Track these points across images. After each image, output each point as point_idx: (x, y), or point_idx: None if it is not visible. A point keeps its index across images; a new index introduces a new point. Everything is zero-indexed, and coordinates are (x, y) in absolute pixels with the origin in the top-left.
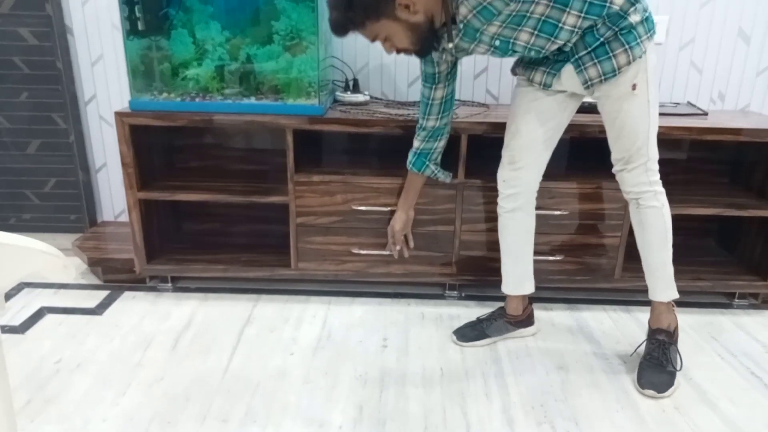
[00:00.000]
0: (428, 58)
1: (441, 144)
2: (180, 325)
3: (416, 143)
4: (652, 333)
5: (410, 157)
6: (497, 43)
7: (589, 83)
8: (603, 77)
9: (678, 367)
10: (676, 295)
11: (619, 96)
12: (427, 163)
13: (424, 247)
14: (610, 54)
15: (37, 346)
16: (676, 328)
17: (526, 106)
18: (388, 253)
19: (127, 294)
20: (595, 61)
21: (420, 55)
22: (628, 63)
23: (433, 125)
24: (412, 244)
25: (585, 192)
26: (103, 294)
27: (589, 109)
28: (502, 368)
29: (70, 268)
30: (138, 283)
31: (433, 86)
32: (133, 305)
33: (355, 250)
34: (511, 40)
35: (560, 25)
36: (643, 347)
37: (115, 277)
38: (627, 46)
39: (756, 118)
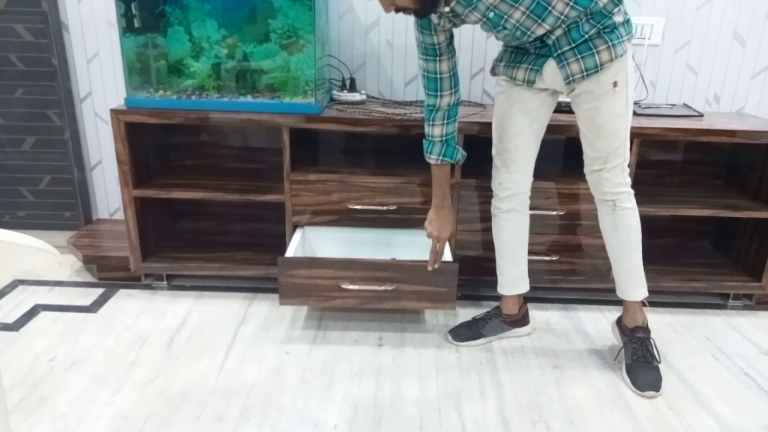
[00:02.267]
0: (426, 28)
1: (456, 126)
2: (175, 324)
3: (436, 131)
4: (632, 332)
5: (436, 148)
6: (491, 15)
7: (571, 79)
8: (585, 73)
9: (659, 360)
10: (647, 293)
11: (600, 93)
12: (457, 148)
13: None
14: (594, 50)
15: (31, 343)
16: (648, 323)
17: (511, 108)
18: (384, 287)
19: (122, 292)
20: (578, 56)
21: (419, 15)
22: (611, 60)
23: (449, 102)
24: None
25: (580, 192)
26: (97, 292)
27: None
28: (497, 368)
29: (65, 266)
30: (133, 281)
31: (437, 58)
32: (128, 303)
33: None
34: (505, 16)
35: (549, 8)
36: (623, 352)
37: (110, 275)
38: (610, 44)
39: (751, 121)
